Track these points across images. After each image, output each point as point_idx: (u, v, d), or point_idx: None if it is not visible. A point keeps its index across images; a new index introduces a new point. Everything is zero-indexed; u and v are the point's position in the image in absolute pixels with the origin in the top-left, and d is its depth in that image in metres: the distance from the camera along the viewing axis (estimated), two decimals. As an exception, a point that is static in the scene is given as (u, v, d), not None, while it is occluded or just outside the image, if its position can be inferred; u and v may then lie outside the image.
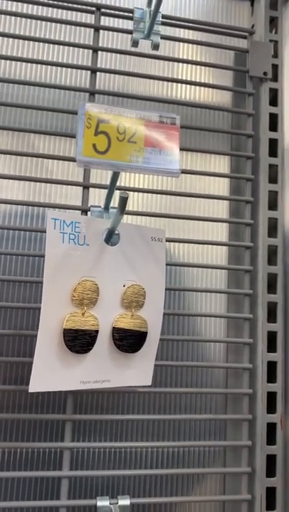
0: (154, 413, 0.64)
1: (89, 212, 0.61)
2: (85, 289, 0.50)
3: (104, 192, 0.65)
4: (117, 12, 0.67)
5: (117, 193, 0.44)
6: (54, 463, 0.60)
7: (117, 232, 0.52)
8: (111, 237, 0.52)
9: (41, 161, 0.66)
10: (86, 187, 0.63)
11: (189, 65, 0.73)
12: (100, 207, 0.60)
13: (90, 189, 0.63)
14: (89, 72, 0.65)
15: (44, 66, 0.68)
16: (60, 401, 0.61)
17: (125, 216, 0.64)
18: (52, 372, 0.49)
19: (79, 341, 0.49)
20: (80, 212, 0.62)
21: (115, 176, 0.45)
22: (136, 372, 0.53)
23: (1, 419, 0.59)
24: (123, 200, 0.43)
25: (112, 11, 0.67)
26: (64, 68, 0.69)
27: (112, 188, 0.49)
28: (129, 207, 0.68)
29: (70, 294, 0.49)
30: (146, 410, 0.64)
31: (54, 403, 0.61)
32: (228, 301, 0.69)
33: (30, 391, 0.48)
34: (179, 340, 0.66)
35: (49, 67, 0.68)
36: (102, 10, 0.67)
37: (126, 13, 0.67)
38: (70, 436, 0.57)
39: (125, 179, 0.68)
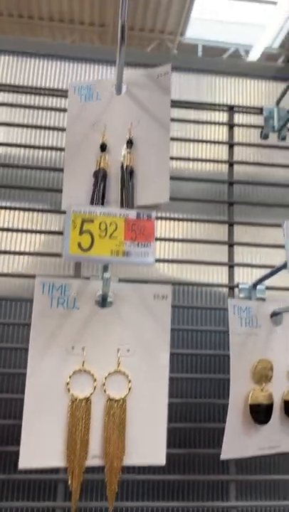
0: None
1: (236, 289, 0.69)
2: (263, 367, 0.57)
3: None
4: (247, 110, 0.77)
5: None
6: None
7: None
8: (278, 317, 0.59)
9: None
10: (231, 266, 0.71)
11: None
12: (247, 284, 0.69)
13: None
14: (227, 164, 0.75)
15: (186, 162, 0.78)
16: (221, 462, 0.68)
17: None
18: (239, 441, 0.56)
19: (261, 414, 0.56)
20: (227, 289, 0.70)
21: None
22: (301, 438, 0.60)
23: (171, 480, 0.66)
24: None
25: (243, 109, 0.77)
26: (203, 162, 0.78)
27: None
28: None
29: (252, 372, 0.57)
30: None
31: (216, 463, 0.68)
32: None
33: (222, 458, 0.55)
34: None
35: (190, 162, 0.78)
36: (235, 109, 0.77)
37: (256, 111, 0.77)
38: (235, 496, 0.64)
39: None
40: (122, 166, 0.61)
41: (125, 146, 0.62)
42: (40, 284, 0.51)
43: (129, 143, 0.62)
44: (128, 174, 0.60)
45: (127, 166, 0.61)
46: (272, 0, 4.36)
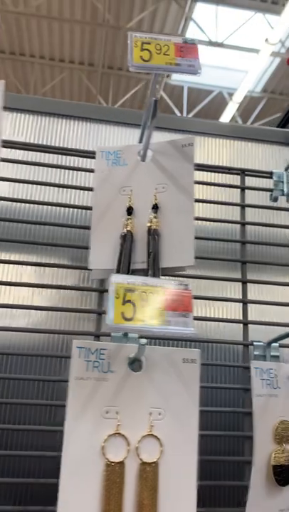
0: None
1: (251, 347, 0.72)
2: (284, 428, 0.59)
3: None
4: (258, 174, 0.81)
5: None
6: None
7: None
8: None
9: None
10: (245, 324, 0.74)
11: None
12: (261, 342, 0.71)
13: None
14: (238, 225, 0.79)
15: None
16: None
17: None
18: (262, 502, 0.57)
19: (284, 475, 0.58)
20: (242, 346, 0.73)
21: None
22: None
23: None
24: None
25: (255, 173, 0.81)
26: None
27: None
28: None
29: (273, 433, 0.59)
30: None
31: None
32: None
33: (247, 521, 0.56)
34: None
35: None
36: (246, 172, 0.81)
37: (266, 175, 0.81)
38: None
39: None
40: (149, 230, 0.64)
41: (151, 210, 0.65)
42: (76, 349, 0.52)
43: (155, 207, 0.65)
44: (154, 238, 0.63)
45: (153, 229, 0.64)
46: (255, 48, 4.61)
